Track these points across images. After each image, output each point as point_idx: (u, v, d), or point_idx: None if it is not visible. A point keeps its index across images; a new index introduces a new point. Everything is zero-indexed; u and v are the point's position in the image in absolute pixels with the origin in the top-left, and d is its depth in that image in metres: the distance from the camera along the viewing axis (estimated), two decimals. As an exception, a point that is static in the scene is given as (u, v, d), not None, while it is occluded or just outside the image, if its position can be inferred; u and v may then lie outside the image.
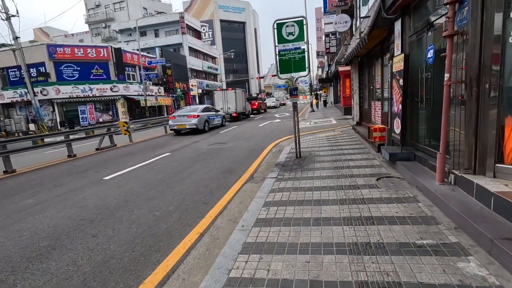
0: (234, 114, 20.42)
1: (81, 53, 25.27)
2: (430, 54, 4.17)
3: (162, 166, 7.51)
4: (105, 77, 26.60)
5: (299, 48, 6.25)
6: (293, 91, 6.45)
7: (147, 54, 32.26)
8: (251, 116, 25.61)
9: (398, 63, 4.91)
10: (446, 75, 3.32)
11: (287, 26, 6.17)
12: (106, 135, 11.83)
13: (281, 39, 6.25)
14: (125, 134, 12.76)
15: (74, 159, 9.70)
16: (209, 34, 79.99)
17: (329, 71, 26.33)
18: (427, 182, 3.71)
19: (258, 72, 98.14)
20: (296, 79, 7.46)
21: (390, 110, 5.56)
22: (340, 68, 17.40)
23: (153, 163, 8.04)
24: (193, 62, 43.24)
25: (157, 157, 8.85)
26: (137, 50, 27.36)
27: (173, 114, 15.15)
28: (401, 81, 4.79)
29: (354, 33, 8.84)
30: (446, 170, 3.58)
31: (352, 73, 10.08)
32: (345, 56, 9.43)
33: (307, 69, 6.26)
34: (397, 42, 5.45)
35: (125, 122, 12.73)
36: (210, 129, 15.55)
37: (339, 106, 21.90)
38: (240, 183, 5.62)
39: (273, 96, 46.48)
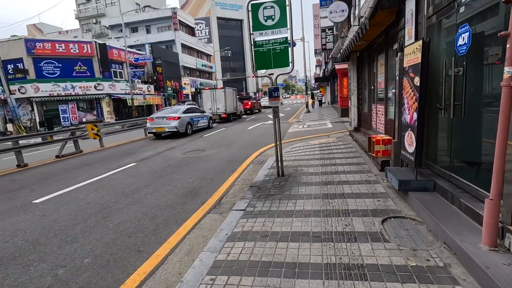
0: (224, 115, 18.98)
1: (62, 49, 23.72)
2: (463, 40, 2.80)
3: (115, 184, 6.10)
4: (89, 74, 25.08)
5: (281, 37, 4.85)
6: (273, 92, 5.03)
7: (135, 51, 30.76)
8: (243, 116, 24.19)
9: (412, 55, 3.53)
10: (508, 70, 1.94)
11: (265, 8, 4.77)
12: (69, 140, 10.38)
13: (257, 25, 4.85)
14: (94, 139, 11.33)
15: (23, 169, 8.27)
16: (205, 32, 78.50)
17: (325, 69, 24.94)
18: (465, 240, 2.33)
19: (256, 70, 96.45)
20: (277, 75, 6.06)
21: (399, 119, 4.17)
22: (337, 66, 16.02)
23: (107, 178, 6.62)
24: (186, 60, 41.71)
25: (118, 169, 7.43)
26: (124, 46, 25.83)
27: (151, 116, 13.70)
28: (416, 80, 3.40)
29: (352, 23, 7.45)
30: (499, 225, 2.20)
31: (350, 71, 8.70)
32: (341, 50, 8.04)
33: (291, 64, 4.86)
34: (409, 28, 4.06)
35: (94, 125, 11.30)
36: (194, 132, 14.13)
37: (336, 107, 20.55)
38: (200, 214, 4.24)
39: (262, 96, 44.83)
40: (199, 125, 14.66)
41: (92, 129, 11.18)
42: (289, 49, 4.84)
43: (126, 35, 43.41)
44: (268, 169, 5.98)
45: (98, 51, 25.20)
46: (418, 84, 3.37)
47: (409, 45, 3.76)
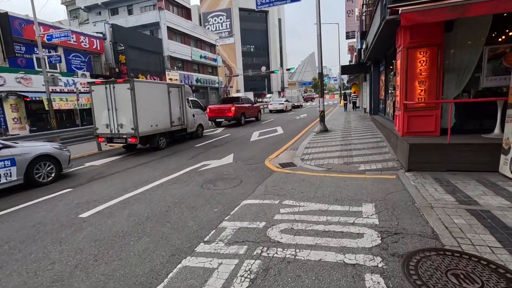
0: (133, 140, 8.74)
1: None
2: None
3: None
4: (-16, 61, 16.26)
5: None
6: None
7: (52, 24, 20.98)
8: (216, 132, 13.77)
9: None
10: None
11: None
12: None
13: None
14: None
15: None
16: (226, 25, 70.04)
17: (361, 49, 13.71)
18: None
19: (282, 67, 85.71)
20: None
21: None
22: (404, 8, 5.00)
23: None
24: (176, 49, 32.10)
25: None
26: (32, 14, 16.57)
27: None
28: None
29: None
30: None
31: None
32: None
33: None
34: None
35: None
36: None
37: (386, 126, 9.27)
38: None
39: (283, 96, 33.42)
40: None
41: None
42: None
43: (106, 19, 35.26)
44: None
45: (-1, 26, 16.26)
46: None
47: None
